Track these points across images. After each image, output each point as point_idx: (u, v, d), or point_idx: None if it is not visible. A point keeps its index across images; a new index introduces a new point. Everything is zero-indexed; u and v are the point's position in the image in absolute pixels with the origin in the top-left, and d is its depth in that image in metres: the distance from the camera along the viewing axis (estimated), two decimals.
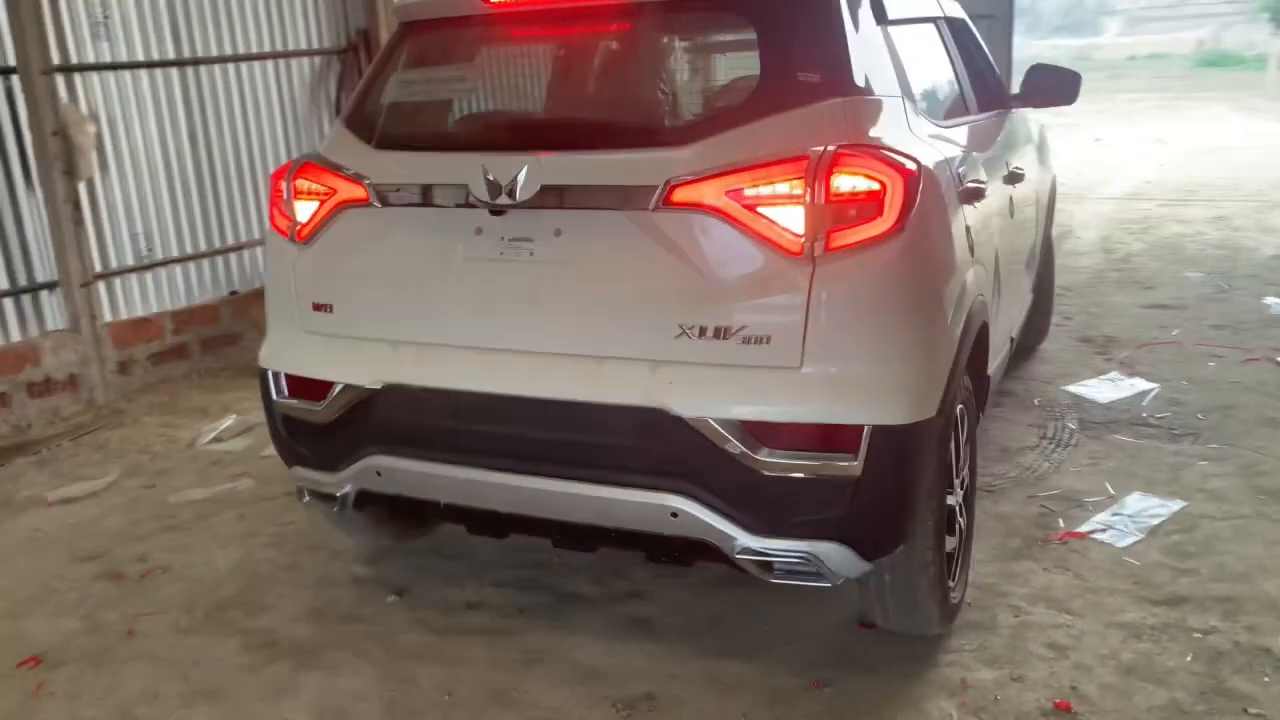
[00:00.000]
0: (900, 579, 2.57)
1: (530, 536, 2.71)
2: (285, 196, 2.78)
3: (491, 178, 2.43)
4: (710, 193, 2.28)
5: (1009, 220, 3.60)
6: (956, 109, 3.43)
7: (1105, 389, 4.80)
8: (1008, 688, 2.62)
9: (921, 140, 2.62)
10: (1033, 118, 4.83)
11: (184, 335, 5.56)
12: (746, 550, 2.35)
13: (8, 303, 4.86)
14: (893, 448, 2.28)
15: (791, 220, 2.24)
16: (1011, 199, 3.66)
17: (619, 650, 2.82)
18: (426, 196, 2.58)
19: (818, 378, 2.27)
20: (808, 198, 2.22)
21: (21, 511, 3.99)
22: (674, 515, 2.37)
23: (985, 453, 4.07)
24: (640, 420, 2.35)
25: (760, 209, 2.26)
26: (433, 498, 2.68)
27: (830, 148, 2.25)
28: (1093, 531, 3.41)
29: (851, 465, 2.26)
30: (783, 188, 2.25)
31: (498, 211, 2.46)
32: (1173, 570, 3.15)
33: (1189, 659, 2.70)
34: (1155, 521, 3.46)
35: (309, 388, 2.78)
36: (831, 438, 2.27)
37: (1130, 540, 3.34)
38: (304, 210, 2.74)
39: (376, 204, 2.62)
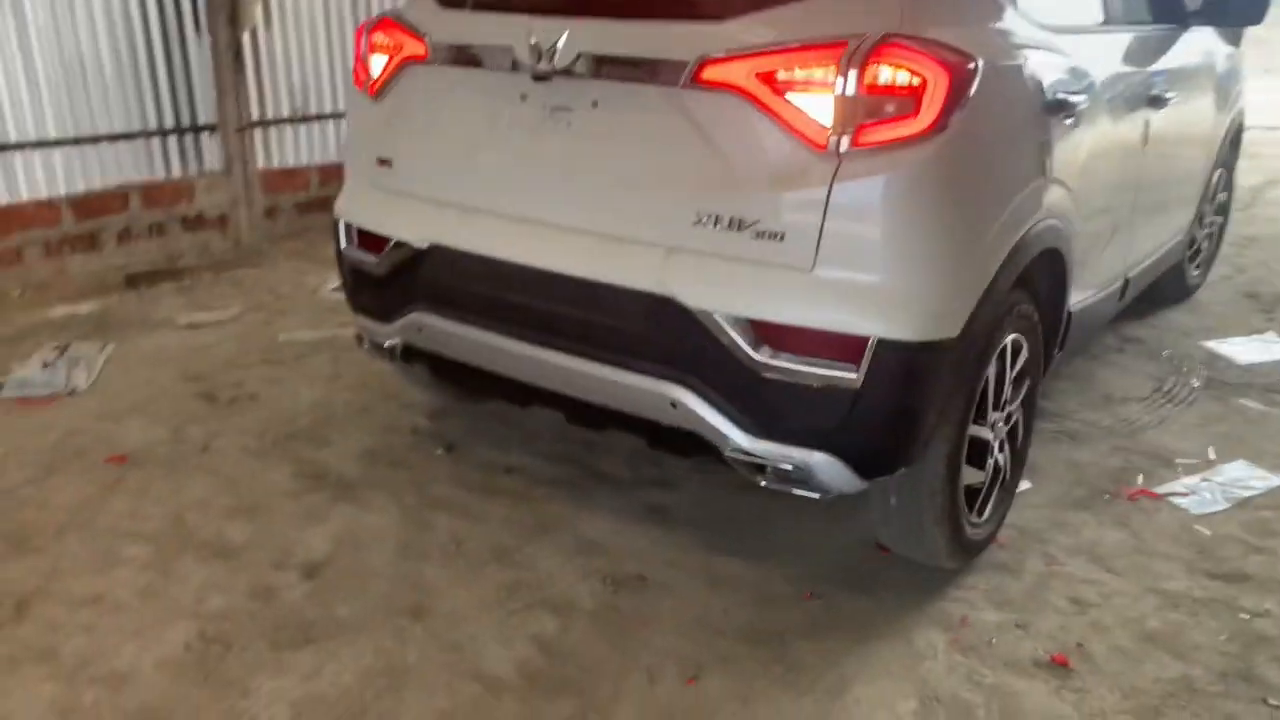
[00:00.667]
0: (905, 504, 2.47)
1: (546, 408, 2.75)
2: (363, 51, 2.85)
3: (534, 41, 2.41)
4: (740, 73, 2.17)
5: (1139, 149, 3.27)
6: (1090, 16, 3.10)
7: (1251, 349, 4.35)
8: (1009, 633, 2.50)
9: (1007, 42, 2.40)
10: (1222, 46, 4.33)
11: (329, 189, 5.85)
12: (739, 450, 2.31)
13: (171, 141, 5.25)
14: (898, 365, 2.16)
15: (819, 111, 2.12)
16: (1148, 126, 3.31)
17: (627, 531, 2.86)
18: (476, 57, 2.58)
19: (828, 283, 2.16)
20: (838, 88, 2.09)
21: (154, 330, 4.39)
22: (673, 405, 2.35)
23: (1084, 397, 3.82)
24: (650, 307, 2.32)
25: (789, 95, 2.14)
26: (462, 359, 2.76)
27: (873, 35, 2.10)
28: (1172, 494, 3.15)
29: (851, 378, 2.16)
30: (815, 74, 2.12)
31: (542, 78, 2.44)
32: (1245, 546, 2.88)
33: (1224, 638, 2.49)
34: (1247, 494, 3.16)
35: (370, 241, 2.89)
36: (834, 346, 2.17)
37: (1211, 509, 3.07)
38: (377, 65, 2.80)
39: (434, 62, 2.65)
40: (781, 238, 2.18)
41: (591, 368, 2.45)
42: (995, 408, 2.60)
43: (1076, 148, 2.69)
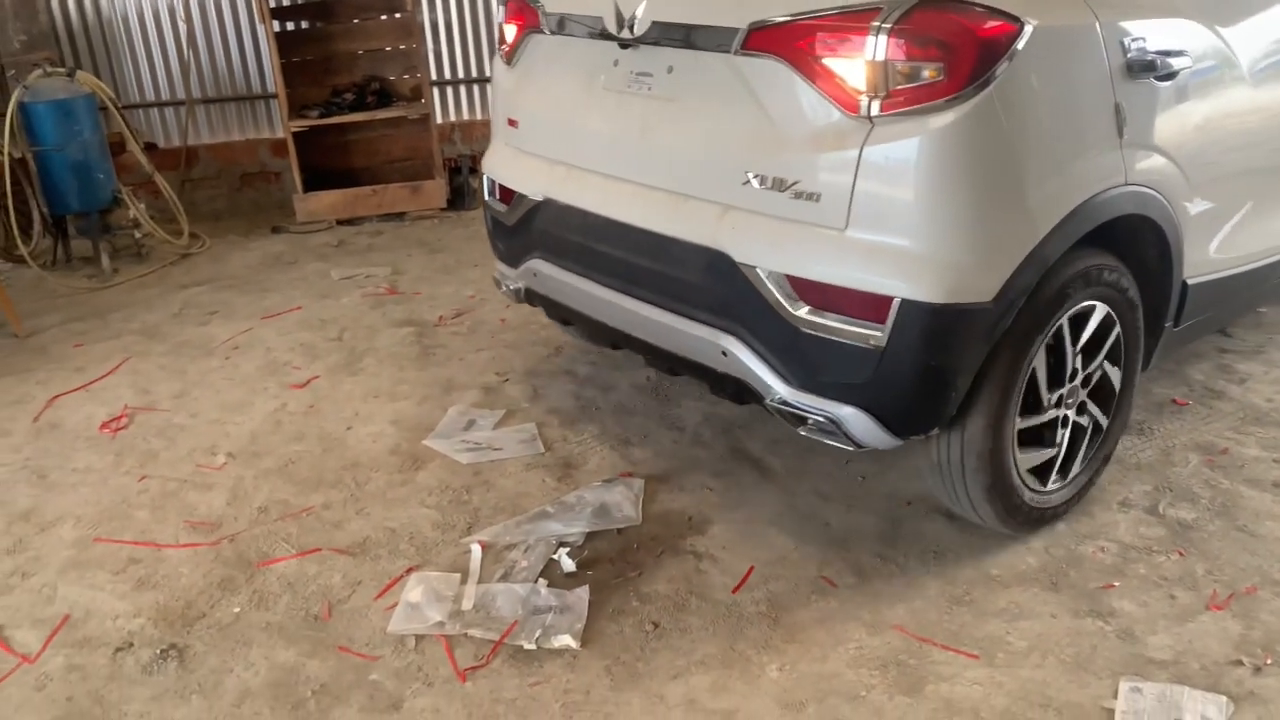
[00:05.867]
0: (950, 469, 2.30)
1: (630, 350, 2.79)
2: (502, 20, 2.94)
3: (618, 11, 2.42)
4: (785, 39, 2.08)
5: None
6: None
7: None
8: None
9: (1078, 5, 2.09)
10: None
11: None
12: (780, 401, 2.29)
13: None
14: (922, 325, 2.04)
15: (852, 76, 1.98)
16: None
17: None
18: (575, 26, 2.60)
19: (858, 243, 2.07)
20: (869, 53, 1.94)
21: None
22: (724, 354, 2.39)
23: None
24: (707, 260, 2.34)
25: (825, 61, 2.02)
26: (564, 303, 2.86)
27: (907, 2, 1.92)
28: None
29: (878, 335, 2.08)
30: (848, 40, 1.98)
31: (627, 45, 2.44)
32: None
33: None
34: None
35: (504, 193, 3.00)
36: (863, 305, 2.10)
37: None
38: (509, 33, 2.88)
39: (546, 31, 2.72)
40: (818, 198, 2.11)
41: (661, 315, 2.53)
42: (1069, 377, 2.29)
43: (1180, 111, 2.34)
